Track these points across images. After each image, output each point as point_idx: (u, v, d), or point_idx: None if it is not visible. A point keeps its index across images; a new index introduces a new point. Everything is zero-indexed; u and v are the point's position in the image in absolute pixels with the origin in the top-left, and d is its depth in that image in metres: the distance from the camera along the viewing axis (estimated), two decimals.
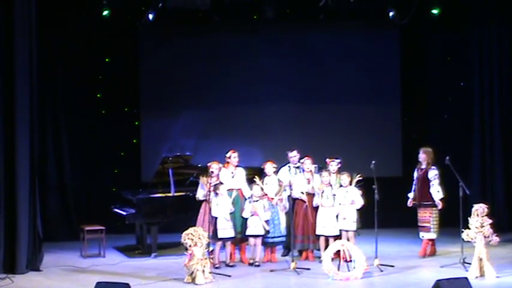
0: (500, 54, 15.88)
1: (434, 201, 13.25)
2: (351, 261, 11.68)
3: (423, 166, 13.38)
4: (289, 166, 13.32)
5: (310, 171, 13.17)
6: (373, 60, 16.67)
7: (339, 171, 13.11)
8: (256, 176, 13.02)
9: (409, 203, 13.44)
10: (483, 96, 16.06)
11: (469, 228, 11.57)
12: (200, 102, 16.31)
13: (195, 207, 12.98)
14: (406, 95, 16.76)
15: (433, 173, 13.27)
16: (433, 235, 13.33)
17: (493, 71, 15.94)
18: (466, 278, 9.79)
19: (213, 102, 16.34)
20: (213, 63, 16.35)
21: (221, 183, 12.72)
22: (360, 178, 13.00)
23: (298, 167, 13.21)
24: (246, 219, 12.77)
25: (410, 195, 13.42)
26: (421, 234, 13.34)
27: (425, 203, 13.28)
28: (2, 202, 12.02)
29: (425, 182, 13.30)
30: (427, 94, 16.74)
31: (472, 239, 11.54)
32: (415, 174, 13.45)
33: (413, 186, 13.38)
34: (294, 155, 13.33)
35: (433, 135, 16.51)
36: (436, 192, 13.23)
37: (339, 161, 13.20)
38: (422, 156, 13.42)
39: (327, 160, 13.22)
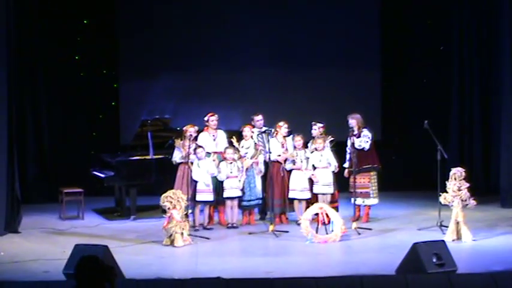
0: (479, 18, 15.84)
1: (373, 165, 13.13)
2: (329, 224, 11.72)
3: (355, 132, 13.13)
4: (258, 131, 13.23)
5: (284, 136, 13.16)
6: (353, 24, 16.57)
7: (325, 135, 13.12)
8: (233, 138, 13.04)
9: (346, 174, 13.14)
10: (462, 61, 16.06)
11: (447, 192, 11.63)
12: (180, 65, 16.22)
13: (174, 170, 12.99)
14: (385, 59, 16.72)
15: (363, 133, 13.10)
16: (374, 201, 13.21)
17: (472, 35, 15.92)
18: (443, 241, 9.84)
19: (193, 65, 16.23)
20: (193, 25, 16.22)
21: (201, 146, 12.72)
22: (332, 139, 13.04)
23: (264, 132, 13.13)
24: (222, 182, 12.81)
25: (346, 165, 13.13)
26: (361, 200, 13.04)
27: (364, 167, 13.04)
28: None
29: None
30: (407, 58, 16.68)
31: (449, 202, 11.61)
32: (349, 143, 13.12)
33: (348, 155, 13.10)
34: (259, 118, 13.29)
35: (412, 99, 16.51)
36: (359, 142, 13.04)
37: (321, 125, 13.19)
38: (352, 122, 13.12)
39: (312, 123, 13.20)
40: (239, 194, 12.82)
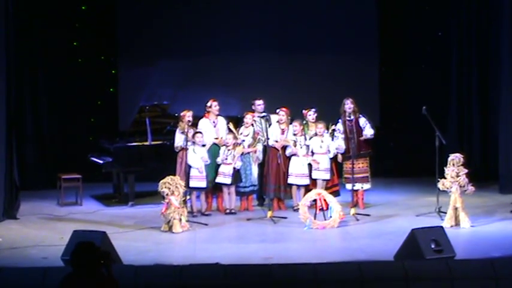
0: (478, 3, 15.79)
1: (367, 150, 13.10)
2: (327, 210, 11.72)
3: (352, 117, 13.06)
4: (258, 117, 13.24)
5: (285, 122, 13.14)
6: (351, 9, 16.56)
7: (316, 120, 13.13)
8: (230, 124, 13.01)
9: (340, 159, 13.12)
10: (461, 46, 16.03)
11: (445, 178, 11.63)
12: (178, 51, 16.20)
13: (172, 156, 12.97)
14: (383, 45, 16.69)
15: (363, 120, 13.12)
16: (369, 185, 13.22)
17: (471, 21, 15.88)
18: (442, 227, 9.85)
19: (191, 52, 16.22)
20: (192, 11, 16.19)
21: (200, 132, 12.70)
22: (334, 128, 13.03)
23: (263, 117, 13.14)
24: (218, 167, 12.80)
25: (341, 147, 12.99)
26: (359, 185, 13.04)
27: (362, 152, 13.04)
28: None
29: (359, 131, 13.07)
30: (405, 44, 16.65)
31: (447, 188, 11.61)
32: (341, 127, 13.06)
33: (343, 141, 12.99)
34: (260, 103, 13.29)
35: (411, 85, 16.49)
36: (370, 129, 13.05)
37: (314, 110, 13.18)
38: (351, 107, 13.05)
39: (304, 111, 13.21)
40: (228, 181, 12.75)
